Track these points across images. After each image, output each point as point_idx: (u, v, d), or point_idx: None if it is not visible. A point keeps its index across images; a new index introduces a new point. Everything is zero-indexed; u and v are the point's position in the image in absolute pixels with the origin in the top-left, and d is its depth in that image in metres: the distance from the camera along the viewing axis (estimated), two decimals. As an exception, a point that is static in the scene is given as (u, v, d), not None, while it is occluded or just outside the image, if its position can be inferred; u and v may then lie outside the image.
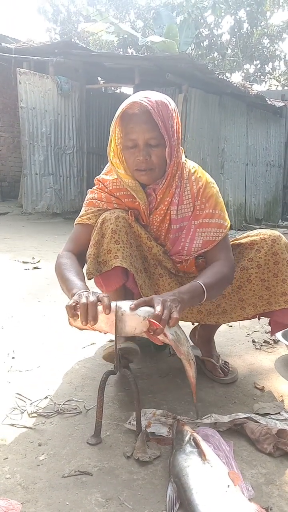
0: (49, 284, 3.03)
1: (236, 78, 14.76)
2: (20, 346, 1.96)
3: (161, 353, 1.93)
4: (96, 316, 1.16)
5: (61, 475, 1.14)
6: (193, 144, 6.91)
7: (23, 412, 1.43)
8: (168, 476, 1.12)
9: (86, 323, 1.17)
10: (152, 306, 1.19)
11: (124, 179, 1.49)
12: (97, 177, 1.62)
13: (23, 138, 6.92)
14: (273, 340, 2.14)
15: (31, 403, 1.48)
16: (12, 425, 1.35)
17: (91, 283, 1.43)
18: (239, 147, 8.11)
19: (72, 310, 1.18)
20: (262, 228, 1.61)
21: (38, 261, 3.83)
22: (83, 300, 1.17)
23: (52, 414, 1.42)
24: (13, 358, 1.85)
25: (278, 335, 1.95)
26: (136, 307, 1.19)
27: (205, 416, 1.40)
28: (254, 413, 1.44)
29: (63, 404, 1.48)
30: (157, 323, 1.14)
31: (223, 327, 2.09)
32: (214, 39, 14.10)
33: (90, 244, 1.49)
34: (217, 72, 7.71)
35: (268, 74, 14.98)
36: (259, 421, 1.36)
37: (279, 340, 2.05)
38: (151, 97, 1.39)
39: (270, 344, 2.11)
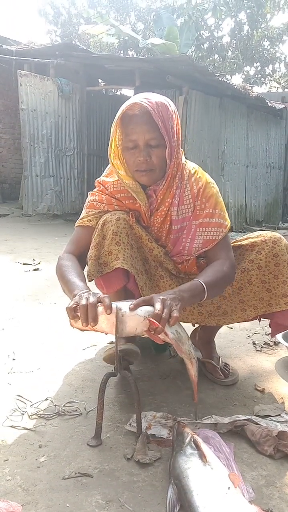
0: (50, 286, 3.03)
1: (236, 80, 14.75)
2: (21, 348, 1.96)
3: (161, 355, 1.93)
4: (96, 317, 1.16)
5: (61, 477, 1.14)
6: (194, 146, 6.92)
7: (23, 414, 1.43)
8: (169, 478, 1.12)
9: (86, 325, 1.17)
10: (152, 305, 1.19)
11: (124, 181, 1.49)
12: (97, 179, 1.62)
13: (24, 140, 6.93)
14: (273, 342, 2.14)
15: (31, 405, 1.48)
16: (12, 426, 1.35)
17: (92, 285, 1.43)
18: (239, 149, 8.12)
19: (73, 312, 1.18)
20: (262, 230, 1.62)
21: (39, 263, 3.83)
22: (83, 302, 1.17)
23: (53, 415, 1.42)
24: (13, 359, 1.84)
25: (279, 337, 1.95)
26: (136, 307, 1.18)
27: (206, 417, 1.40)
28: (255, 415, 1.44)
29: (64, 405, 1.48)
30: (157, 322, 1.14)
31: (223, 329, 2.09)
32: (215, 41, 14.13)
33: (91, 245, 1.49)
34: (217, 74, 7.70)
35: (268, 76, 15.00)
36: (259, 423, 1.36)
37: (279, 342, 2.05)
38: (151, 98, 1.39)
39: (270, 346, 2.11)
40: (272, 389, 1.67)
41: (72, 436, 1.32)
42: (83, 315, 1.16)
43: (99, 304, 1.18)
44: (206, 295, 1.34)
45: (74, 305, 1.18)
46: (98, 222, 1.52)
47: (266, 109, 8.55)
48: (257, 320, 1.67)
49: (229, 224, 1.55)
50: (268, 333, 2.21)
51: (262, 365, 1.90)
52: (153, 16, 14.06)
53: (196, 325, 1.85)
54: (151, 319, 1.15)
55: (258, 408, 1.49)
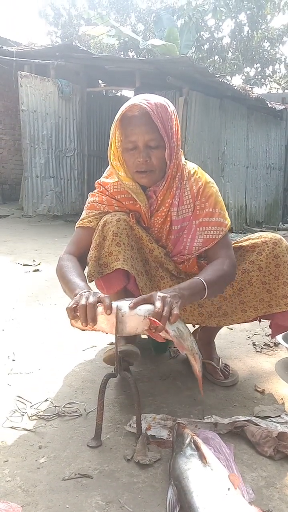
0: (50, 287, 3.03)
1: (236, 81, 14.75)
2: (21, 349, 1.96)
3: (161, 356, 1.93)
4: (95, 318, 1.17)
5: (61, 478, 1.14)
6: (194, 147, 6.92)
7: (23, 415, 1.43)
8: (169, 479, 1.12)
9: (85, 325, 1.18)
10: (152, 303, 1.18)
11: (124, 182, 1.50)
12: (97, 180, 1.62)
13: (24, 141, 6.93)
14: (273, 342, 2.14)
15: (31, 406, 1.48)
16: (12, 427, 1.35)
17: (92, 286, 1.43)
18: (239, 150, 8.12)
19: (73, 312, 1.18)
20: (262, 231, 1.62)
21: (39, 264, 3.83)
22: (82, 302, 1.17)
23: (53, 416, 1.42)
24: (13, 360, 1.85)
25: (279, 338, 1.95)
26: (135, 305, 1.18)
27: (206, 417, 1.40)
28: (255, 416, 1.43)
29: (64, 406, 1.48)
30: (158, 321, 1.14)
31: (223, 330, 2.09)
32: (215, 42, 14.13)
33: (92, 246, 1.49)
34: (217, 75, 7.71)
35: (268, 77, 15.00)
36: (259, 424, 1.36)
37: (279, 343, 2.04)
38: (150, 99, 1.40)
39: (270, 346, 2.11)
40: (272, 390, 1.67)
41: (72, 437, 1.32)
42: (82, 315, 1.16)
43: (99, 304, 1.18)
44: (206, 293, 1.34)
45: (74, 305, 1.18)
46: (98, 223, 1.52)
47: (266, 110, 8.55)
48: (257, 321, 1.67)
49: (229, 223, 1.55)
50: (268, 334, 2.21)
51: (262, 366, 1.89)
52: (153, 17, 14.06)
53: (197, 326, 1.85)
54: (152, 317, 1.15)
55: (258, 409, 1.49)
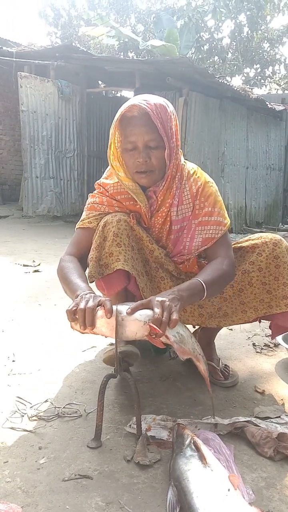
0: (50, 287, 3.03)
1: (236, 82, 14.74)
2: (21, 349, 1.96)
3: (161, 357, 1.93)
4: (93, 322, 1.17)
5: (61, 479, 1.14)
6: (194, 147, 6.92)
7: (23, 416, 1.43)
8: (169, 480, 1.12)
9: (84, 328, 1.18)
10: (151, 308, 1.18)
11: (124, 182, 1.50)
12: (97, 181, 1.62)
13: (24, 142, 6.93)
14: (273, 343, 2.14)
15: (31, 407, 1.48)
16: (12, 428, 1.35)
17: (92, 287, 1.43)
18: (239, 151, 8.12)
19: (72, 315, 1.18)
20: (262, 232, 1.62)
21: (39, 264, 3.83)
22: (82, 305, 1.17)
23: (53, 417, 1.42)
24: (13, 361, 1.84)
25: (279, 339, 1.95)
26: (133, 311, 1.18)
27: (205, 417, 1.40)
28: (255, 417, 1.43)
29: (64, 407, 1.48)
30: (158, 327, 1.13)
31: (223, 331, 2.09)
32: (215, 43, 14.14)
33: (92, 247, 1.49)
34: (217, 76, 7.71)
35: (268, 78, 15.01)
36: (259, 424, 1.36)
37: (279, 344, 2.04)
38: (150, 100, 1.40)
39: (270, 347, 2.11)
40: (272, 391, 1.67)
41: (72, 438, 1.32)
42: (81, 318, 1.16)
43: (99, 307, 1.18)
44: (205, 293, 1.34)
45: (74, 308, 1.18)
46: (98, 223, 1.52)
47: (266, 111, 8.55)
48: (257, 322, 1.67)
49: (228, 223, 1.55)
50: (268, 334, 2.21)
51: (262, 366, 1.89)
52: (153, 18, 14.07)
53: (197, 327, 1.85)
54: (152, 324, 1.14)
55: (258, 410, 1.49)
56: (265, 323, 1.81)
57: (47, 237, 5.64)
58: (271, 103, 8.57)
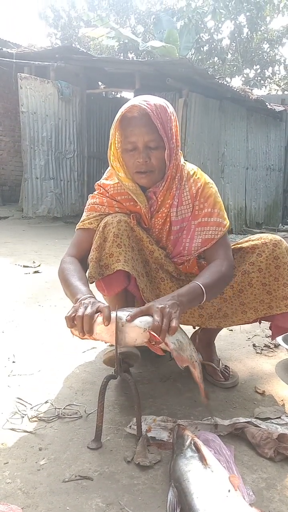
0: (50, 288, 3.03)
1: (236, 82, 14.77)
2: (21, 350, 1.96)
3: (161, 358, 1.93)
4: (91, 330, 1.16)
5: (61, 480, 1.14)
6: (194, 148, 6.93)
7: (23, 417, 1.43)
8: (169, 481, 1.12)
9: (82, 335, 1.18)
10: (151, 314, 1.18)
11: (124, 183, 1.50)
12: (97, 182, 1.63)
13: (24, 143, 6.94)
14: (273, 344, 2.14)
15: (31, 408, 1.48)
16: (12, 429, 1.35)
17: (93, 287, 1.43)
18: (239, 151, 8.13)
19: (71, 321, 1.18)
20: (262, 232, 1.62)
21: (39, 265, 3.83)
22: (80, 313, 1.17)
23: (53, 418, 1.42)
24: (13, 362, 1.84)
25: (279, 339, 1.95)
26: (133, 318, 1.18)
27: (206, 418, 1.40)
28: (255, 418, 1.43)
29: (64, 408, 1.47)
30: (157, 334, 1.13)
31: (223, 331, 2.09)
32: (214, 44, 14.15)
33: (92, 248, 1.49)
34: (217, 77, 7.72)
35: (268, 79, 15.02)
36: (259, 425, 1.36)
37: (279, 344, 2.04)
38: (150, 100, 1.40)
39: (270, 348, 2.11)
40: (272, 392, 1.67)
41: (72, 439, 1.32)
42: (79, 325, 1.16)
43: (99, 314, 1.18)
44: (204, 297, 1.34)
45: (73, 314, 1.18)
46: (99, 224, 1.52)
47: (265, 112, 8.56)
48: (257, 323, 1.66)
49: (227, 224, 1.55)
50: (268, 335, 2.21)
51: (262, 367, 1.89)
52: (153, 19, 14.09)
53: (197, 327, 1.85)
54: (151, 331, 1.14)
55: (259, 411, 1.49)
56: (265, 324, 1.81)
57: (47, 238, 5.64)
58: (271, 104, 8.58)
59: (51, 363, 1.84)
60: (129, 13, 15.53)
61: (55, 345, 2.05)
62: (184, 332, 1.27)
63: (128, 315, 1.18)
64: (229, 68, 14.34)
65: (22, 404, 1.50)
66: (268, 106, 8.24)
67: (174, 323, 1.15)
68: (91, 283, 1.45)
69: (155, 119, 1.38)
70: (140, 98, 1.42)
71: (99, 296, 1.47)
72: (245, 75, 14.89)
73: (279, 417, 1.44)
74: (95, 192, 1.61)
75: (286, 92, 13.61)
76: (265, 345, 2.13)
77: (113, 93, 10.12)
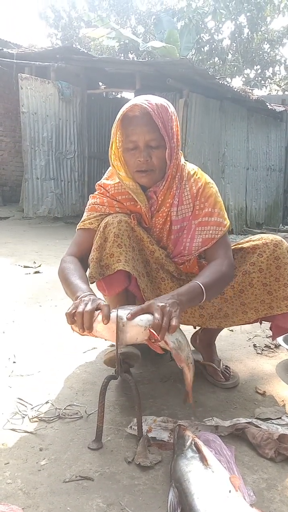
0: (50, 289, 3.03)
1: (236, 83, 14.77)
2: (21, 351, 1.96)
3: (162, 358, 1.93)
4: (91, 326, 1.17)
5: (62, 480, 1.14)
6: (194, 148, 6.93)
7: (24, 417, 1.42)
8: (170, 481, 1.12)
9: (82, 332, 1.18)
10: (151, 313, 1.18)
11: (125, 182, 1.50)
12: (98, 182, 1.63)
13: (25, 143, 6.94)
14: (274, 344, 2.14)
15: (32, 408, 1.48)
16: (13, 430, 1.35)
17: (93, 288, 1.43)
18: (239, 152, 8.12)
19: (71, 318, 1.18)
20: (263, 233, 1.62)
21: (39, 266, 3.84)
22: (80, 309, 1.17)
23: (53, 419, 1.42)
24: (14, 362, 1.84)
25: (280, 340, 1.95)
26: (133, 316, 1.18)
27: (207, 419, 1.40)
28: (256, 418, 1.43)
29: (64, 409, 1.47)
30: (157, 333, 1.13)
31: (224, 332, 2.09)
32: (215, 44, 14.15)
33: (93, 248, 1.49)
34: (217, 77, 7.71)
35: (268, 79, 15.02)
36: (260, 426, 1.36)
37: (280, 345, 2.04)
38: (151, 100, 1.41)
39: (271, 348, 2.11)
40: (273, 392, 1.66)
41: (73, 439, 1.32)
42: (79, 322, 1.16)
43: (99, 312, 1.18)
44: (204, 296, 1.34)
45: (73, 311, 1.18)
46: (99, 224, 1.52)
47: (266, 112, 8.56)
48: (258, 323, 1.66)
49: (228, 224, 1.56)
50: (269, 335, 2.21)
51: (263, 368, 1.89)
52: (153, 19, 14.10)
53: (197, 328, 1.85)
54: (152, 330, 1.14)
55: (259, 411, 1.49)
56: (266, 324, 1.81)
57: (48, 238, 5.64)
58: (272, 104, 8.58)
59: (52, 364, 1.84)
60: (129, 14, 15.54)
61: (56, 345, 2.05)
62: (183, 333, 1.27)
63: (128, 313, 1.18)
64: (230, 68, 14.34)
65: (23, 405, 1.50)
66: (268, 106, 8.24)
67: (174, 322, 1.16)
68: (92, 283, 1.46)
69: (156, 118, 1.38)
70: (142, 98, 1.42)
71: (99, 295, 1.47)
72: (245, 76, 14.89)
73: (280, 418, 1.44)
74: (96, 192, 1.61)
75: (286, 93, 13.61)
76: (266, 346, 2.13)
77: (114, 93, 10.12)
